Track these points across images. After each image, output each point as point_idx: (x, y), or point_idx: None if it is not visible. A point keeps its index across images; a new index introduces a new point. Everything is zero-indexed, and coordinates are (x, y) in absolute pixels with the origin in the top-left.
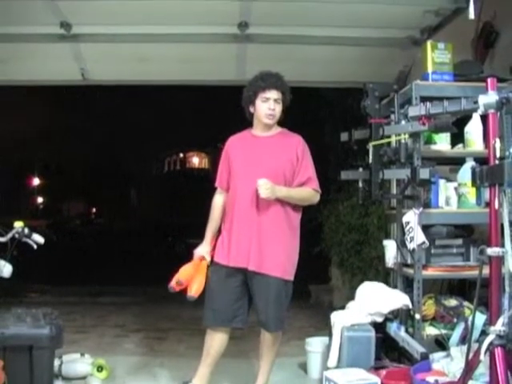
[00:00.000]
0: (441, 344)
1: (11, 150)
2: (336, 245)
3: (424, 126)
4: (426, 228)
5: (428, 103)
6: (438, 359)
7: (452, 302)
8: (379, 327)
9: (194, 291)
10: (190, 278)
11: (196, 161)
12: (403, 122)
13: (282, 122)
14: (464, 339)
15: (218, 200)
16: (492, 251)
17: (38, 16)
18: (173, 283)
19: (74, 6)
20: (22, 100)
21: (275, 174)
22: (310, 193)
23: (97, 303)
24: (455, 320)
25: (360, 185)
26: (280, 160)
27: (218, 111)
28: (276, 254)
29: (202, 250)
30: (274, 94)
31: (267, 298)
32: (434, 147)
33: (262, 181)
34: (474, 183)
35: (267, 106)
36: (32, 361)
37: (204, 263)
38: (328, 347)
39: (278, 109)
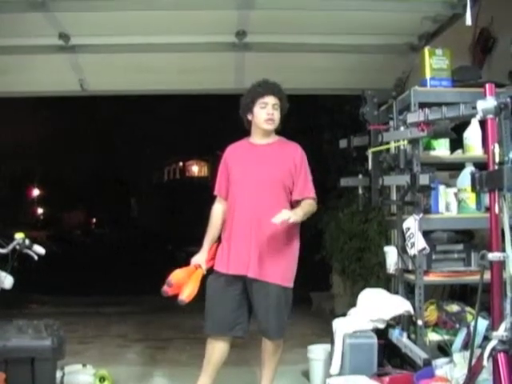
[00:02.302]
0: (443, 350)
1: (10, 160)
2: (337, 252)
3: (423, 132)
4: (426, 234)
5: (426, 109)
6: (440, 365)
7: (454, 308)
8: (381, 334)
9: (186, 296)
10: (182, 281)
11: (195, 169)
12: (402, 129)
13: (280, 130)
14: (466, 345)
15: (217, 208)
16: (493, 256)
17: (36, 27)
18: (164, 286)
19: (73, 18)
20: (21, 110)
21: (273, 181)
22: (312, 205)
23: (98, 313)
24: (457, 326)
25: (360, 191)
26: (278, 168)
27: (216, 119)
28: (275, 261)
29: (199, 259)
30: (271, 100)
31: (267, 306)
32: (433, 153)
33: (279, 218)
34: (473, 188)
35: (266, 111)
36: (34, 373)
37: (199, 271)
38: (330, 354)
39: (277, 115)
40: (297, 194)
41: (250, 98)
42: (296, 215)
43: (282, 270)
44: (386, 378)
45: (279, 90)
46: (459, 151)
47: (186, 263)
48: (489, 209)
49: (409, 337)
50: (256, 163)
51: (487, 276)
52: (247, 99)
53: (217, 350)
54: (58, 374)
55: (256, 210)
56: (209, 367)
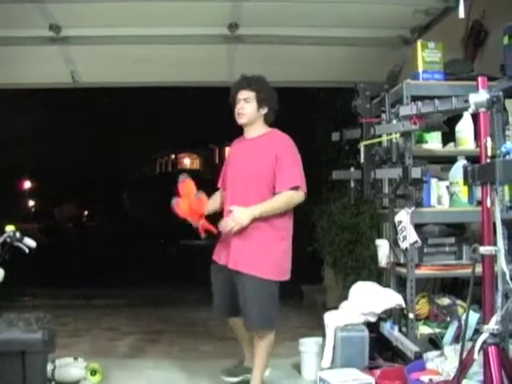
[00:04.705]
0: (434, 343)
1: (2, 152)
2: (329, 245)
3: (415, 125)
4: (418, 227)
5: (419, 102)
6: (431, 358)
7: (445, 301)
8: (373, 327)
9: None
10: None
11: (188, 162)
12: (394, 122)
13: (273, 123)
14: (457, 338)
15: (217, 195)
16: (485, 250)
17: (27, 19)
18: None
19: (64, 9)
20: (12, 102)
21: (256, 175)
22: (285, 197)
23: (89, 306)
24: (448, 319)
25: (352, 184)
26: (261, 161)
27: (209, 112)
28: (253, 253)
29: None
30: (242, 94)
31: (244, 296)
32: (425, 146)
33: (225, 222)
34: (465, 182)
35: (237, 106)
36: (25, 366)
37: (188, 182)
38: (322, 348)
39: (249, 107)
40: (276, 187)
41: (231, 95)
42: (245, 217)
43: (259, 262)
44: (377, 371)
45: (254, 83)
46: (451, 144)
47: (178, 256)
48: (481, 202)
49: (400, 330)
50: (243, 157)
51: (478, 269)
52: (230, 97)
53: (233, 326)
54: (49, 367)
55: (238, 203)
56: (241, 343)
